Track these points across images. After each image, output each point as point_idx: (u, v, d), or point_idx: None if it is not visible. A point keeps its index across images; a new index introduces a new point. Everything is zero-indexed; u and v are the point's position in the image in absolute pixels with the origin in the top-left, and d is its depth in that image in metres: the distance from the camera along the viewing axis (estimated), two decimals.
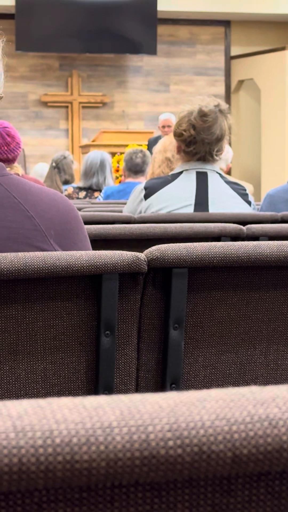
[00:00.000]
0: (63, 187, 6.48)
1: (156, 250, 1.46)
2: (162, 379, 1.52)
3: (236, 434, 0.49)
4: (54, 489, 0.49)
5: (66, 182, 6.71)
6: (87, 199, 6.07)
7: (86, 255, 1.39)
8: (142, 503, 0.51)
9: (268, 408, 0.51)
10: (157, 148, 4.18)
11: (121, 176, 7.13)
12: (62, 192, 6.24)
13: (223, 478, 0.52)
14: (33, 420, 0.48)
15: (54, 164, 6.76)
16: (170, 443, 0.49)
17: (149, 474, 0.49)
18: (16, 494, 0.49)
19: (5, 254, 1.35)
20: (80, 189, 6.22)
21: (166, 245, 1.48)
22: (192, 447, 0.49)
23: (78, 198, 6.15)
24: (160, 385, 1.52)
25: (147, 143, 9.01)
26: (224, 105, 3.10)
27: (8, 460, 0.46)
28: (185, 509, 0.52)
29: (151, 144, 8.55)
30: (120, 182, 6.62)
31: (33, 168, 8.48)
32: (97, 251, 1.43)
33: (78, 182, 6.44)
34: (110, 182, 6.18)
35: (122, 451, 0.48)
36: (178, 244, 1.49)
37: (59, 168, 6.76)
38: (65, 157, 6.84)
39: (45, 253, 1.38)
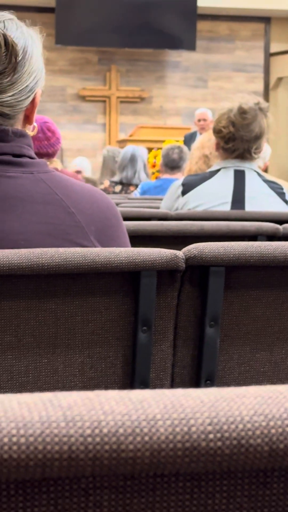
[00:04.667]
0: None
1: (194, 248, 1.49)
2: (197, 376, 1.54)
3: (273, 429, 0.52)
4: (100, 476, 0.52)
5: (113, 172, 6.78)
6: (123, 193, 6.09)
7: (125, 252, 1.42)
8: (183, 492, 0.54)
9: None
10: (195, 145, 4.19)
11: (158, 171, 7.14)
12: (96, 185, 6.29)
13: (259, 471, 0.54)
14: (82, 410, 0.51)
15: (105, 152, 6.86)
16: (211, 436, 0.51)
17: (190, 465, 0.51)
18: (65, 480, 0.52)
19: (46, 249, 1.38)
20: (116, 183, 6.25)
21: (204, 243, 1.50)
22: (231, 441, 0.51)
23: (114, 192, 6.18)
24: (195, 381, 1.54)
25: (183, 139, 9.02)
26: (264, 104, 3.10)
27: (58, 447, 0.49)
28: (223, 499, 0.54)
29: (187, 140, 8.56)
30: (157, 178, 6.64)
31: (71, 162, 8.54)
32: (136, 248, 1.45)
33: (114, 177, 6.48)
34: (143, 177, 6.19)
35: (165, 442, 0.51)
36: (216, 243, 1.51)
37: (110, 157, 6.85)
38: (118, 151, 6.94)
39: (85, 249, 1.40)
